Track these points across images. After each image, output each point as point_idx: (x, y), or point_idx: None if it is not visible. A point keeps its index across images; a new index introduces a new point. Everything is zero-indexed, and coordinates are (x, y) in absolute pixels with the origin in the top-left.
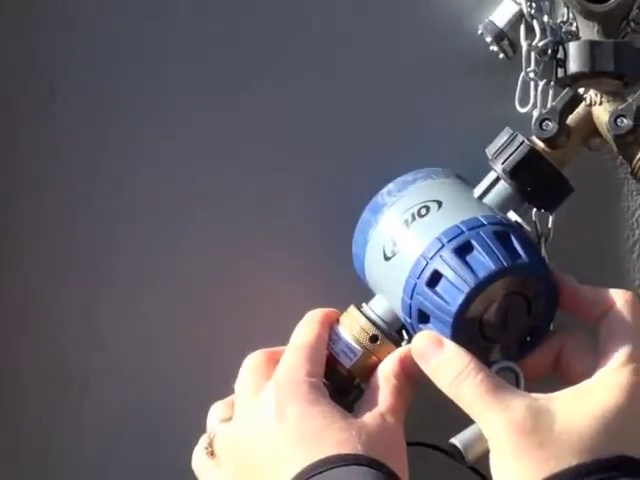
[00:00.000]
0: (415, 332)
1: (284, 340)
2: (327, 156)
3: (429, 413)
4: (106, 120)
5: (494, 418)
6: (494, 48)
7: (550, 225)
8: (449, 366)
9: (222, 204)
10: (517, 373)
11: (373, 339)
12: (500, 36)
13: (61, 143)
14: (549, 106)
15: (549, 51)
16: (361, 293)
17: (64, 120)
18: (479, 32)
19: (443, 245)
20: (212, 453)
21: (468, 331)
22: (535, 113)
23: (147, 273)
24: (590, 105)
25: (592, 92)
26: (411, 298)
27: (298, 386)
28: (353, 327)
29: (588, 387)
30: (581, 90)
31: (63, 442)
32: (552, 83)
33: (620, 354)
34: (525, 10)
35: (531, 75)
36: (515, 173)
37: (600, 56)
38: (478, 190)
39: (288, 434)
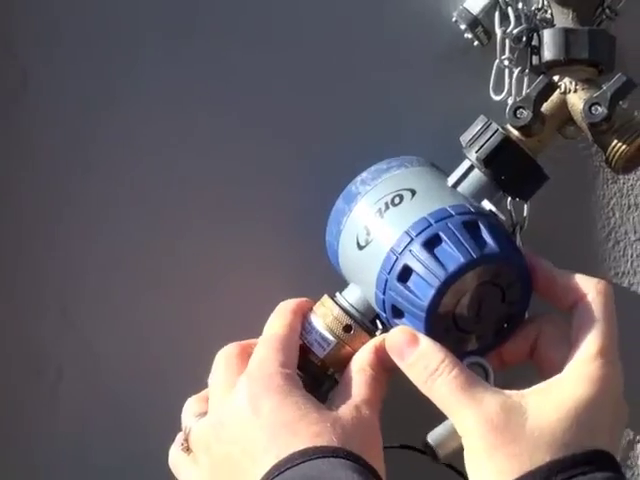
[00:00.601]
0: (391, 326)
1: (257, 331)
2: (300, 145)
3: (405, 411)
4: (83, 109)
5: (467, 414)
6: (468, 35)
7: (525, 214)
8: (423, 363)
9: (195, 192)
10: (486, 368)
11: (347, 329)
12: (474, 23)
13: (33, 132)
14: (523, 94)
15: (524, 38)
16: (335, 282)
17: (39, 108)
18: (453, 19)
19: (412, 239)
20: (187, 449)
21: (442, 324)
22: (510, 101)
23: (120, 258)
24: (565, 93)
25: (567, 80)
26: (384, 293)
27: (271, 378)
28: (326, 317)
29: (559, 381)
30: (556, 78)
31: (38, 426)
32: (527, 71)
33: (589, 346)
34: None
35: (506, 63)
36: (489, 161)
37: (575, 44)
38: (452, 178)
39: (263, 427)
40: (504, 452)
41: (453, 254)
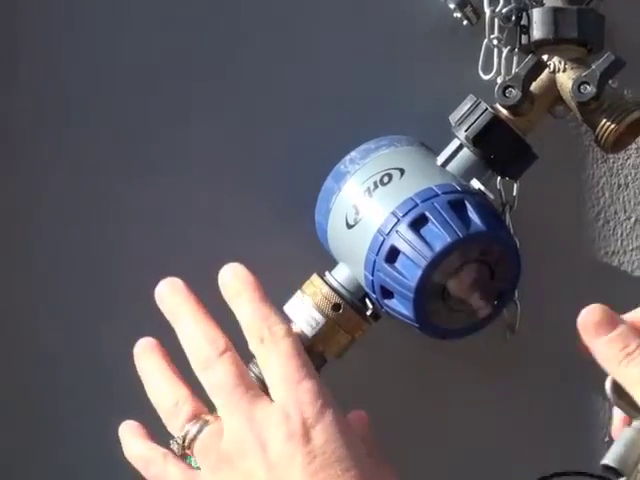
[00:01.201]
0: (381, 307)
1: None
2: (291, 124)
3: None
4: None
5: None
6: (457, 15)
7: (515, 193)
8: (622, 343)
9: (184, 166)
10: None
11: (335, 308)
12: (463, 2)
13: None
14: (512, 73)
15: (513, 18)
16: (325, 262)
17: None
18: None
19: (398, 220)
20: (183, 455)
21: (431, 303)
22: (499, 80)
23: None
24: (554, 72)
25: (556, 59)
26: (372, 274)
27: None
28: (315, 295)
29: None
30: (545, 57)
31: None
32: (516, 50)
33: None
34: None
35: (495, 42)
36: (478, 140)
37: (564, 23)
38: (441, 158)
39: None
40: None
41: (439, 234)
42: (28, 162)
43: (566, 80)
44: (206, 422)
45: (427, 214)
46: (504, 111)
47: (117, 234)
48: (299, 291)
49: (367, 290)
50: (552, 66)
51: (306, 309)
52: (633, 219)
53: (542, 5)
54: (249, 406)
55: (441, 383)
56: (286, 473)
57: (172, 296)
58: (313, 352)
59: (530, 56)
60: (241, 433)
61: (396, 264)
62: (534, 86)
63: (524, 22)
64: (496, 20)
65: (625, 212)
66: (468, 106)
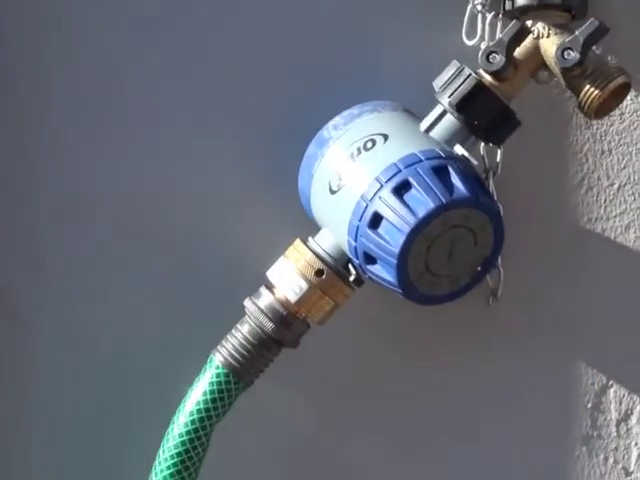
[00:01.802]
0: (364, 273)
1: (230, 275)
2: (276, 90)
3: None
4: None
5: None
6: None
7: (498, 159)
8: None
9: (168, 134)
10: None
11: (319, 273)
12: None
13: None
14: (496, 39)
15: None
16: (307, 227)
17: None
18: None
19: (382, 185)
20: None
21: (415, 269)
22: (482, 46)
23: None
24: (538, 38)
25: (540, 25)
26: (355, 240)
27: None
28: (298, 261)
29: None
30: (529, 23)
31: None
32: (500, 15)
33: None
34: None
35: (479, 7)
36: (462, 106)
37: None
38: (425, 123)
39: None
40: None
41: (422, 199)
42: None
43: (550, 46)
44: None
45: (410, 180)
46: (488, 77)
47: (103, 200)
48: (282, 257)
49: (350, 256)
50: (536, 32)
51: (289, 275)
52: (616, 185)
53: None
54: None
55: (425, 349)
56: None
57: None
58: (296, 318)
59: (514, 22)
60: None
61: (379, 230)
62: (518, 52)
63: None
64: None
65: (608, 178)
66: (452, 72)
